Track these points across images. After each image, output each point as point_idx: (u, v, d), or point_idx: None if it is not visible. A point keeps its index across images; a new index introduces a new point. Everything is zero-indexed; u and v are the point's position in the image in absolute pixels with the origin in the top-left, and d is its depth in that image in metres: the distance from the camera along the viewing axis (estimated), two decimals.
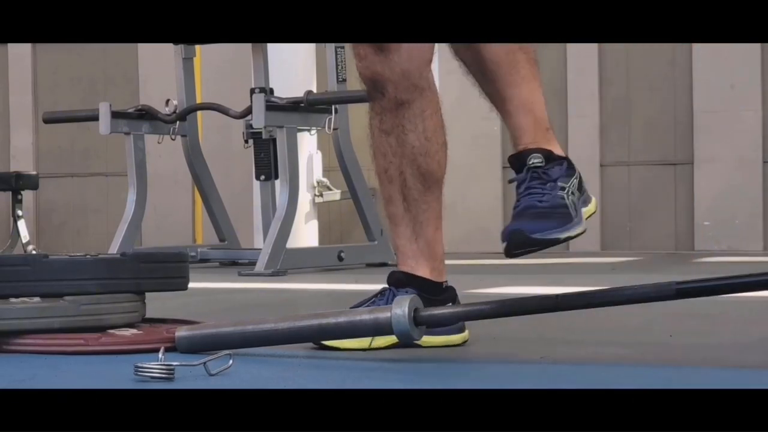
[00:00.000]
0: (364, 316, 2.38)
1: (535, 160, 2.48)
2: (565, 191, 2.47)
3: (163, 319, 2.94)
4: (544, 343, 2.74)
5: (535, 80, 2.50)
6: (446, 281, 2.69)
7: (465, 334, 2.60)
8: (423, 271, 2.60)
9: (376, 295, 2.64)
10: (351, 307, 2.53)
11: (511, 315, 2.31)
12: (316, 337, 2.47)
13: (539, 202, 2.44)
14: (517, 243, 2.38)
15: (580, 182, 2.56)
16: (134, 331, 2.70)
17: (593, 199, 2.61)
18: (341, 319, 2.40)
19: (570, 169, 2.52)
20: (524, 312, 2.43)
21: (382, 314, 2.36)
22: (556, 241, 2.43)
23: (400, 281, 2.62)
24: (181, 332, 2.56)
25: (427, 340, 2.48)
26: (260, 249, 6.04)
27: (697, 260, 7.00)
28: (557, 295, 2.39)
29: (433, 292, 2.61)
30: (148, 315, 2.87)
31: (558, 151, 2.53)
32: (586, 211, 2.54)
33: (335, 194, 7.06)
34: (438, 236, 2.61)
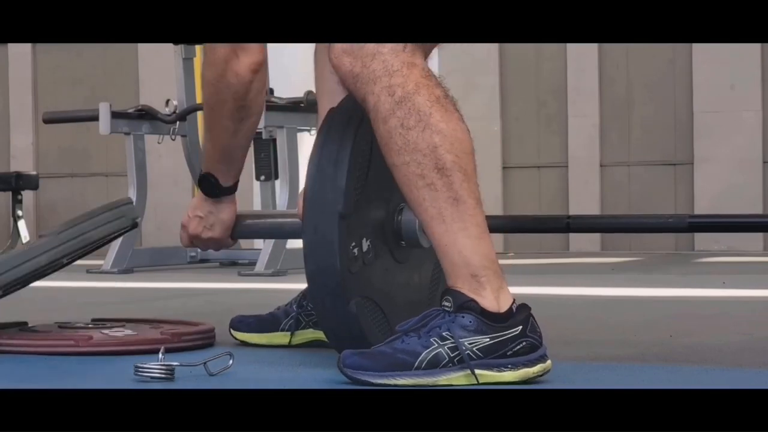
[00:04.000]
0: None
1: (445, 303, 2.15)
2: (444, 342, 2.11)
3: (162, 320, 2.94)
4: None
5: (452, 221, 2.13)
6: None
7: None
8: None
9: None
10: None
11: (522, 231, 2.31)
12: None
13: (401, 342, 2.13)
14: (339, 365, 2.13)
15: (514, 350, 2.13)
16: (128, 331, 2.70)
17: (536, 367, 2.14)
18: None
19: (488, 328, 2.11)
20: (535, 230, 2.46)
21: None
22: (366, 383, 2.11)
23: None
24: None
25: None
26: (260, 249, 6.04)
27: (697, 260, 7.00)
28: (569, 216, 2.42)
29: None
30: (147, 315, 2.88)
31: (486, 304, 2.12)
32: (492, 376, 2.12)
33: None
34: None
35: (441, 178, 2.14)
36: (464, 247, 2.14)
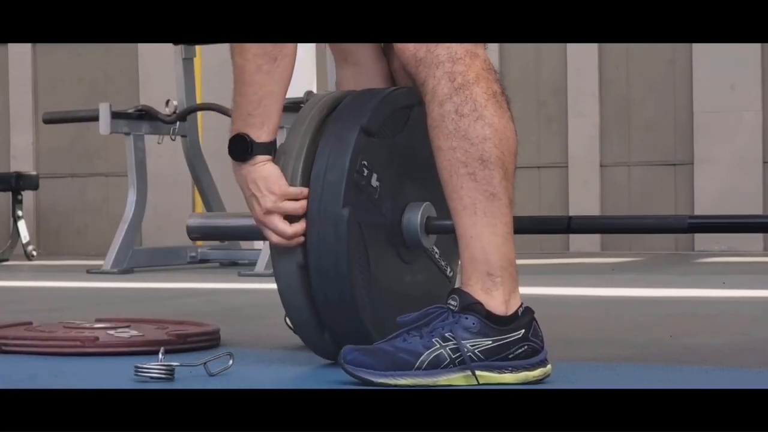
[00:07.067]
0: None
1: (451, 302, 2.15)
2: (446, 343, 2.11)
3: (166, 320, 2.94)
4: None
5: (483, 215, 2.15)
6: None
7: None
8: None
9: None
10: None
11: (523, 233, 2.32)
12: None
13: (402, 341, 2.12)
14: (340, 360, 2.14)
15: (516, 353, 2.14)
16: (133, 332, 2.70)
17: (537, 371, 2.15)
18: None
19: (491, 330, 2.12)
20: (536, 231, 2.46)
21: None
22: (367, 381, 2.10)
23: None
24: (192, 220, 2.69)
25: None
26: (260, 249, 6.03)
27: (697, 260, 7.00)
28: (570, 217, 2.44)
29: None
30: (147, 315, 2.88)
31: (494, 305, 2.13)
32: (492, 377, 2.12)
33: None
34: None
35: (483, 170, 2.18)
36: (488, 244, 2.16)
